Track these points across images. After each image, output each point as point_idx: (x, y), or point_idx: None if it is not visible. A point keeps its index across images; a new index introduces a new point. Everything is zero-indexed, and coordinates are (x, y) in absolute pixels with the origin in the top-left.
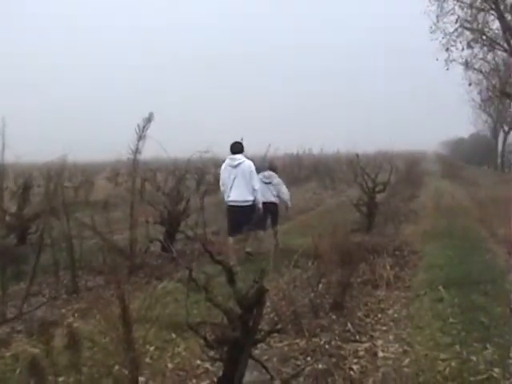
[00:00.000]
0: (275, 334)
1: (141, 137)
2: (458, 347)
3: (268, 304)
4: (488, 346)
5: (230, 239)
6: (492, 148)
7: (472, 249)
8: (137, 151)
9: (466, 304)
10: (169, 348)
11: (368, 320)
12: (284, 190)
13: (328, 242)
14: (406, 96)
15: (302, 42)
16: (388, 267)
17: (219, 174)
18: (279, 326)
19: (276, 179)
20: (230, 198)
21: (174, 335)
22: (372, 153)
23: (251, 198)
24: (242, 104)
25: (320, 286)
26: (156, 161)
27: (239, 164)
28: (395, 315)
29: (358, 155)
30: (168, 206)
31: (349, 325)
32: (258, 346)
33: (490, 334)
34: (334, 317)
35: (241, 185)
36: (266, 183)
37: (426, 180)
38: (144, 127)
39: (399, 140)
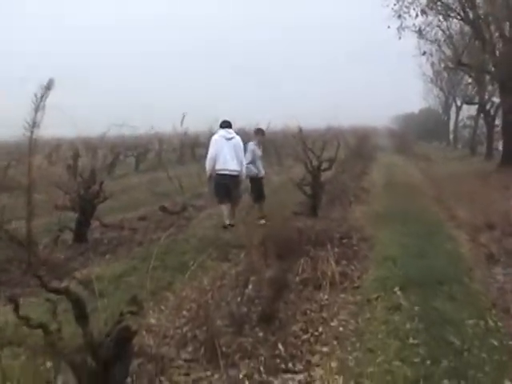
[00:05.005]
0: (182, 363)
1: (38, 107)
2: None
3: (185, 313)
4: None
5: (223, 206)
6: (443, 123)
7: (430, 235)
8: (34, 125)
9: (430, 315)
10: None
11: (305, 336)
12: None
13: (263, 229)
14: (358, 70)
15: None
16: (333, 263)
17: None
18: None
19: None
20: (221, 167)
21: (49, 364)
22: (322, 128)
23: (239, 169)
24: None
25: (250, 286)
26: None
27: (233, 138)
28: (340, 329)
29: (300, 129)
30: (81, 189)
31: (279, 346)
32: None
33: (462, 362)
34: (261, 334)
35: (233, 156)
36: None
37: (377, 156)
38: (42, 96)
39: (350, 115)
